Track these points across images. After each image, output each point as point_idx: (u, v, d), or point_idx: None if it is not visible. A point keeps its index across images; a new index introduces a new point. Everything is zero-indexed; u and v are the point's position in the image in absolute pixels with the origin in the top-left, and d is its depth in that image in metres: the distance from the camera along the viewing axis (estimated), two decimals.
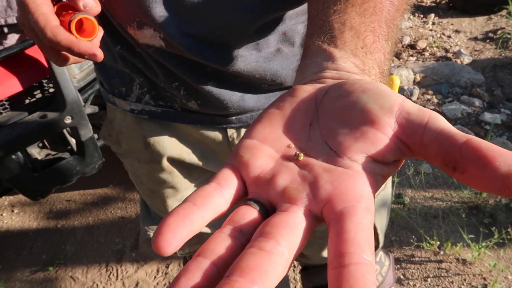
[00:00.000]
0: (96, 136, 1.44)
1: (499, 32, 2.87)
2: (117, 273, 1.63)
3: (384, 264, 0.93)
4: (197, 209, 0.26)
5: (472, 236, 1.59)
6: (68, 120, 1.27)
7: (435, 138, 0.25)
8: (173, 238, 0.24)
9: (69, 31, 0.45)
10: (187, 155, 0.72)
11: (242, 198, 0.29)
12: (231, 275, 0.22)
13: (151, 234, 0.81)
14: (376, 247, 0.88)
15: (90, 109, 1.60)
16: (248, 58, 0.59)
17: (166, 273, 1.61)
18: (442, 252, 1.56)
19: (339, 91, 0.30)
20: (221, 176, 0.29)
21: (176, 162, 0.73)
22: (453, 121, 2.10)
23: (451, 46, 2.80)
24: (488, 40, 2.84)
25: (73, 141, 1.43)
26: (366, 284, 0.21)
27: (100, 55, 0.46)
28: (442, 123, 0.26)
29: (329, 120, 0.29)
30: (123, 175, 2.05)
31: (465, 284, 1.47)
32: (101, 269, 1.65)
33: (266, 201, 0.27)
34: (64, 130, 1.40)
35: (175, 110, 0.67)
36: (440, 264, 1.54)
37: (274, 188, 0.27)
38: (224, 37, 0.56)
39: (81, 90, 1.34)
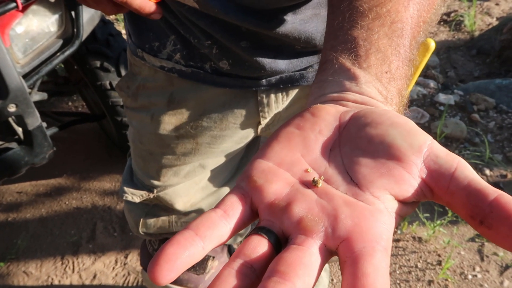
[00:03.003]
0: (44, 124, 1.37)
1: (452, 14, 2.93)
2: (73, 265, 1.58)
3: None
4: (199, 239, 0.25)
5: (428, 215, 1.63)
6: (12, 108, 1.20)
7: (463, 188, 0.25)
8: (170, 270, 0.23)
9: None
10: (207, 118, 0.71)
11: (246, 225, 0.28)
12: None
13: (129, 197, 0.79)
14: None
15: (37, 96, 1.52)
16: (283, 20, 0.58)
17: (124, 264, 1.57)
18: (399, 231, 1.60)
19: (366, 119, 0.29)
20: (228, 203, 0.28)
21: (189, 131, 0.72)
22: (409, 102, 2.14)
23: None
24: (442, 23, 2.91)
25: (20, 130, 1.35)
26: None
27: (160, 13, 0.54)
28: (471, 173, 0.25)
29: (352, 148, 0.28)
30: (77, 164, 1.98)
31: (421, 261, 1.52)
32: (56, 263, 1.59)
33: (279, 231, 0.26)
34: (10, 119, 1.31)
35: (205, 71, 0.66)
36: (398, 243, 1.58)
37: (289, 218, 0.26)
38: (261, 1, 0.55)
39: (26, 76, 1.25)
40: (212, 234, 0.26)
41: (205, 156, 0.76)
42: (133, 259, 1.58)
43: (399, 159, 0.27)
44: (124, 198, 0.80)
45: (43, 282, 1.54)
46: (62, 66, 1.81)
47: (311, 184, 0.27)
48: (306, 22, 0.60)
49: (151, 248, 0.87)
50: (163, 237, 0.84)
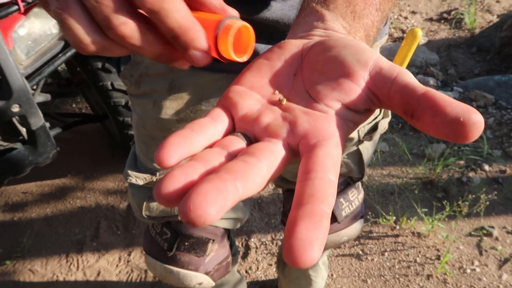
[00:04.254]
0: (48, 124, 1.40)
1: (453, 12, 2.94)
2: (77, 263, 1.61)
3: (361, 192, 1.02)
4: (195, 134, 0.29)
5: (426, 210, 1.65)
6: (15, 108, 1.23)
7: (400, 90, 0.28)
8: (175, 152, 0.27)
9: (214, 37, 0.32)
10: (205, 102, 0.74)
11: (230, 133, 0.32)
12: (219, 172, 0.25)
13: (133, 179, 0.83)
14: (361, 178, 0.97)
15: (41, 97, 1.55)
16: (273, 7, 0.62)
17: (128, 261, 1.59)
18: (398, 227, 1.62)
19: (323, 46, 0.33)
20: (214, 113, 0.32)
21: (189, 114, 0.75)
22: None
23: (407, 27, 2.86)
24: (442, 21, 2.91)
25: (24, 130, 1.38)
26: (326, 195, 0.24)
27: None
28: (408, 77, 0.29)
29: (311, 71, 0.33)
30: (81, 164, 2.01)
31: (420, 256, 1.53)
32: (61, 261, 1.63)
33: (252, 135, 0.31)
34: (14, 119, 1.35)
35: None
36: (397, 238, 1.59)
37: (258, 125, 0.31)
38: None
39: (29, 77, 1.29)
40: (205, 132, 0.30)
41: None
42: (136, 256, 1.61)
43: (349, 74, 0.31)
44: (128, 181, 0.83)
45: (48, 280, 1.57)
46: (65, 68, 1.84)
47: (277, 103, 0.32)
48: (294, 8, 0.64)
49: (154, 232, 0.90)
50: (165, 221, 0.87)
